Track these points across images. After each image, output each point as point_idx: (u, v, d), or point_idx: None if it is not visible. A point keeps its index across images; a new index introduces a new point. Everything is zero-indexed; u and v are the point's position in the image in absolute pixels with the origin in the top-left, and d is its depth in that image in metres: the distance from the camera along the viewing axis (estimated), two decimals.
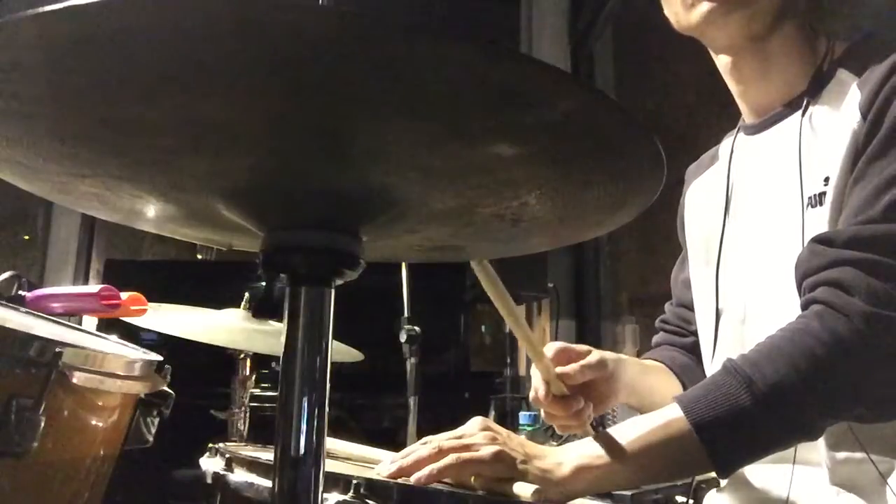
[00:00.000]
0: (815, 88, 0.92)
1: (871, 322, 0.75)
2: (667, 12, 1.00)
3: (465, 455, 0.73)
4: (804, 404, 0.75)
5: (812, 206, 0.87)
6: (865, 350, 0.75)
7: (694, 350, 1.13)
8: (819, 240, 0.82)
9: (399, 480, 0.72)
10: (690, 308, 1.13)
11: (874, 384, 0.77)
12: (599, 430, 0.82)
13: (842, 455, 0.84)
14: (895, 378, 0.77)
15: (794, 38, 0.96)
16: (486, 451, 0.73)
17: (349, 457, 0.94)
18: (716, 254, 1.03)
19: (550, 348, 0.95)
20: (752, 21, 0.93)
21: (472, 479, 0.73)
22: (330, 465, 0.61)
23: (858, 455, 0.82)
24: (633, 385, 1.02)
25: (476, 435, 0.77)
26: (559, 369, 0.93)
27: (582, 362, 0.95)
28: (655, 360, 1.15)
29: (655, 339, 1.22)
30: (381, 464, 0.77)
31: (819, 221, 0.86)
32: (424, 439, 0.77)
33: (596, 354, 0.97)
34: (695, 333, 1.13)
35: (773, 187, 0.95)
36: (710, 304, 1.03)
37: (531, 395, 0.95)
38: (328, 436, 0.52)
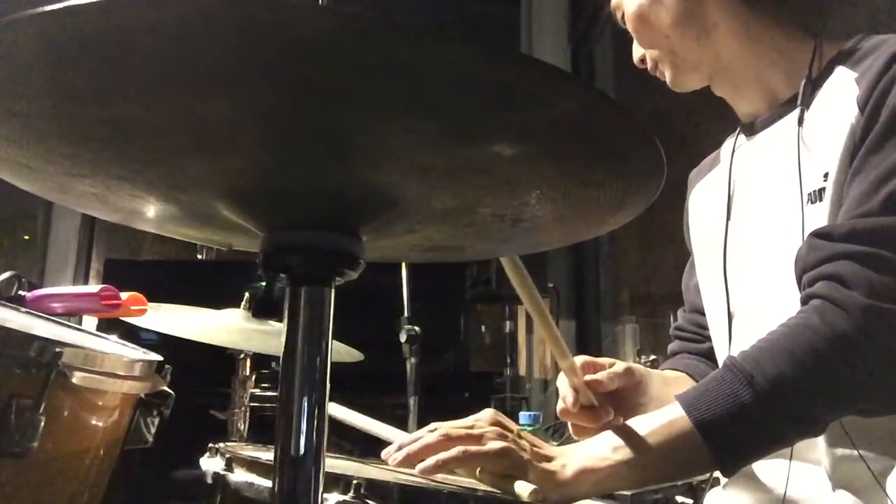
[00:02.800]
0: (812, 86, 0.92)
1: (870, 315, 0.74)
2: None
3: (472, 448, 0.73)
4: (806, 399, 0.75)
5: (812, 202, 0.87)
6: (865, 343, 0.75)
7: (710, 356, 1.11)
8: (818, 234, 0.82)
9: (400, 480, 0.72)
10: (704, 313, 1.12)
11: (875, 377, 0.76)
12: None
13: (840, 453, 0.84)
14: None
15: (775, 44, 0.98)
16: (493, 445, 0.73)
17: (354, 425, 0.94)
18: (721, 256, 1.03)
19: (577, 360, 0.94)
20: (713, 64, 1.02)
21: (478, 472, 0.73)
22: (330, 465, 0.61)
23: (856, 453, 0.82)
24: (661, 397, 0.99)
25: (486, 428, 0.77)
26: (588, 377, 0.91)
27: (610, 370, 0.94)
28: (677, 369, 1.13)
29: (671, 347, 1.21)
30: (389, 449, 0.77)
31: (819, 217, 0.86)
32: (433, 425, 0.77)
33: (623, 364, 0.96)
34: (710, 339, 1.11)
35: (774, 186, 0.95)
36: (721, 307, 1.03)
37: (558, 405, 0.93)
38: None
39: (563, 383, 0.92)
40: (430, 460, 0.72)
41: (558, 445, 0.82)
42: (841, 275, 0.77)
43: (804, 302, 0.80)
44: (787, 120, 0.96)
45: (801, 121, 0.90)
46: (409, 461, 0.73)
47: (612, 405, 0.92)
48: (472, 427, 0.77)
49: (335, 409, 0.96)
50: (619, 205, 0.55)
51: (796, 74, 0.95)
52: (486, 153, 0.46)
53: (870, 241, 0.77)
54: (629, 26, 1.04)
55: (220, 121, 0.43)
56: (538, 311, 0.81)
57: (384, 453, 0.77)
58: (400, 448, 0.75)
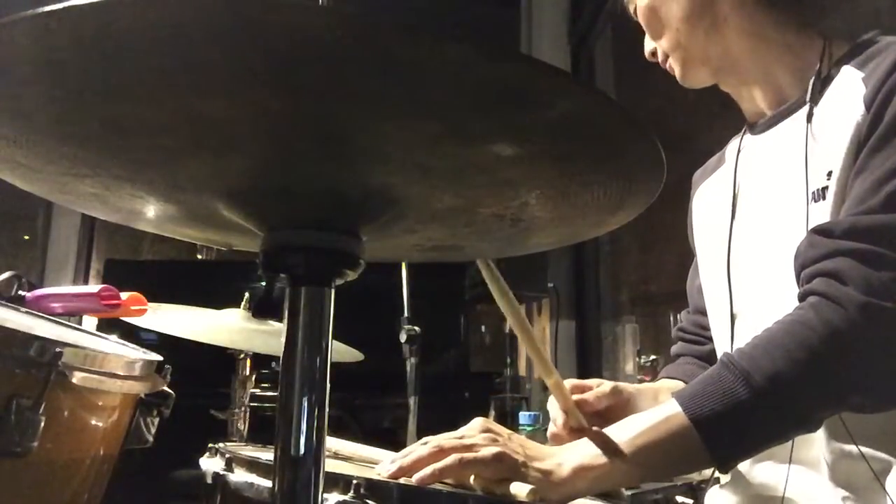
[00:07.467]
0: (819, 86, 0.92)
1: (866, 312, 0.75)
2: None
3: (467, 456, 0.73)
4: (801, 396, 0.75)
5: (815, 201, 0.87)
6: (861, 340, 0.76)
7: (712, 358, 1.11)
8: (818, 230, 0.82)
9: (399, 480, 0.72)
10: (707, 315, 1.12)
11: (871, 374, 0.77)
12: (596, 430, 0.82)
13: (840, 451, 0.84)
14: (892, 367, 0.77)
15: (784, 41, 0.98)
16: (487, 451, 0.73)
17: (350, 456, 0.94)
18: (725, 256, 1.03)
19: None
20: (721, 59, 1.01)
21: (472, 479, 0.73)
22: (330, 465, 0.61)
23: (855, 454, 0.82)
24: None
25: (477, 436, 0.77)
26: (576, 397, 0.91)
27: (597, 390, 0.94)
28: (673, 378, 1.13)
29: (674, 349, 1.21)
30: (381, 464, 0.77)
31: (822, 216, 0.86)
32: (424, 439, 0.77)
33: (609, 384, 0.97)
34: (713, 340, 1.11)
35: (779, 184, 0.95)
36: (724, 308, 1.03)
37: (549, 428, 0.93)
38: (328, 435, 0.52)
39: (553, 406, 0.92)
40: (427, 470, 0.71)
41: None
42: (839, 271, 0.77)
43: (802, 298, 0.81)
44: (794, 118, 0.96)
45: (809, 118, 0.90)
46: (402, 473, 0.73)
47: (601, 426, 0.91)
48: (462, 437, 0.77)
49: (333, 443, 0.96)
50: (619, 205, 0.55)
51: (804, 73, 0.95)
52: (486, 153, 0.46)
53: (870, 238, 0.77)
54: (640, 19, 1.05)
55: (220, 121, 0.43)
56: (520, 326, 0.80)
57: (377, 469, 0.77)
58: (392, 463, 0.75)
